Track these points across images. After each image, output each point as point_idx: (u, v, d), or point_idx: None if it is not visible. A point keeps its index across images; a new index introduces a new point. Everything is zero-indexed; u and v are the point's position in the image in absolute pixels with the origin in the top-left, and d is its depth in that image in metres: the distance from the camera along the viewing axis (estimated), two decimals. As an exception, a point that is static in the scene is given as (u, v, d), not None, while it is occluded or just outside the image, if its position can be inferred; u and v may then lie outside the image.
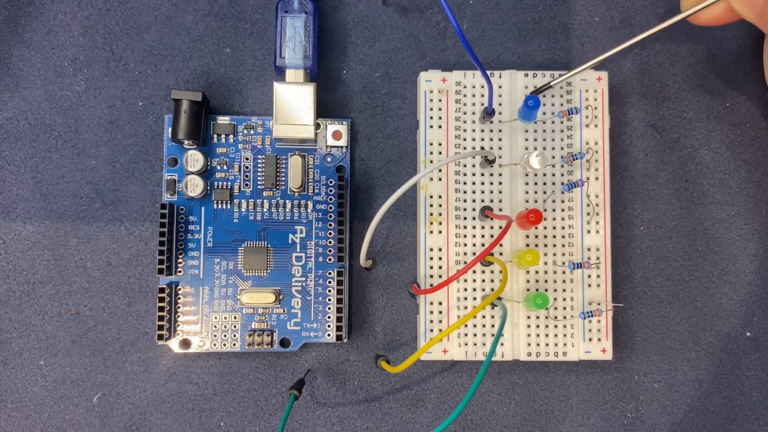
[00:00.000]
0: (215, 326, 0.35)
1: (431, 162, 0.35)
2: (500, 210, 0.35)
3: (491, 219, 0.35)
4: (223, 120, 0.36)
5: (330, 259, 0.36)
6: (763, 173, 0.38)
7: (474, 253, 0.35)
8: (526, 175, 0.36)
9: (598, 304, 0.35)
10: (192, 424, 0.36)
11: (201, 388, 0.36)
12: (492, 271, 0.35)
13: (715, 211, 0.38)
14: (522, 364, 0.37)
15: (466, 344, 0.35)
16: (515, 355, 0.35)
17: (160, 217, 0.34)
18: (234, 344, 0.35)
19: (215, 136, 0.36)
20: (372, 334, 0.37)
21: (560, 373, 0.37)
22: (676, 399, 0.37)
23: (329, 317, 0.35)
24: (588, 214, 0.36)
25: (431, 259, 0.35)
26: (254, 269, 0.35)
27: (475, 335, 0.35)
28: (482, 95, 0.36)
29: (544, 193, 0.36)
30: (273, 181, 0.36)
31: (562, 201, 0.36)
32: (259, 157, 0.36)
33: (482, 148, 0.36)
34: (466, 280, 0.35)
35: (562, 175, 0.36)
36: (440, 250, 0.35)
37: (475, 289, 0.35)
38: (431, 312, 0.35)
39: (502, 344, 0.35)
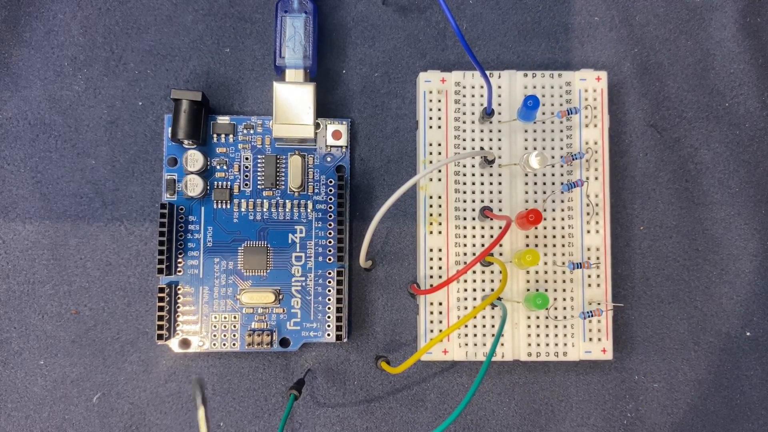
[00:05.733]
0: (215, 326, 0.35)
1: (431, 162, 0.35)
2: (500, 210, 0.35)
3: (491, 219, 0.35)
4: (223, 120, 0.36)
5: (330, 259, 0.36)
6: (762, 173, 0.38)
7: (474, 254, 0.35)
8: (526, 175, 0.36)
9: (598, 304, 0.35)
10: (192, 424, 0.35)
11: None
12: (492, 272, 0.35)
13: (715, 211, 0.38)
14: (522, 364, 0.37)
15: (466, 344, 0.35)
16: (515, 355, 0.35)
17: (160, 216, 0.34)
18: (234, 344, 0.35)
19: (215, 135, 0.36)
20: (372, 334, 0.37)
21: (560, 373, 0.37)
22: (676, 399, 0.37)
23: (329, 317, 0.35)
24: (588, 214, 0.36)
25: (431, 259, 0.35)
26: (254, 269, 0.35)
27: (475, 335, 0.35)
28: (481, 95, 0.36)
29: (544, 193, 0.36)
30: (273, 180, 0.36)
31: (562, 201, 0.36)
32: (258, 156, 0.36)
33: (482, 148, 0.36)
34: (466, 281, 0.35)
35: (562, 175, 0.36)
36: (440, 250, 0.35)
37: (475, 290, 0.35)
38: (431, 312, 0.35)
39: (502, 344, 0.35)
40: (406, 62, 0.38)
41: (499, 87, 0.36)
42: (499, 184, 0.35)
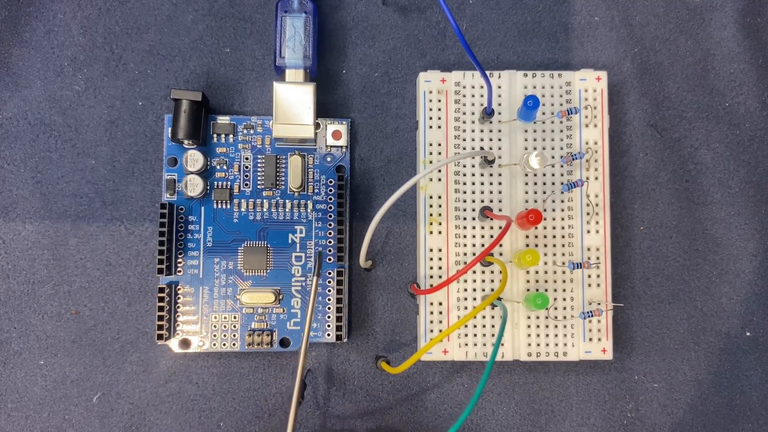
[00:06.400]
0: (215, 326, 0.35)
1: (431, 162, 0.35)
2: (500, 210, 0.35)
3: (491, 219, 0.35)
4: (223, 120, 0.36)
5: (330, 259, 0.36)
6: (762, 173, 0.38)
7: (474, 254, 0.35)
8: (526, 175, 0.36)
9: (598, 304, 0.35)
10: (192, 424, 0.36)
11: (201, 388, 0.36)
12: (492, 272, 0.35)
13: (715, 211, 0.38)
14: (522, 364, 0.37)
15: (466, 345, 0.35)
16: (515, 355, 0.35)
17: (160, 216, 0.34)
18: (234, 344, 0.35)
19: (215, 135, 0.36)
20: (372, 334, 0.37)
21: (560, 373, 0.37)
22: (676, 399, 0.37)
23: (329, 317, 0.35)
24: (588, 214, 0.36)
25: (431, 259, 0.35)
26: (254, 269, 0.35)
27: (475, 335, 0.35)
28: (482, 95, 0.36)
29: (544, 193, 0.36)
30: (273, 181, 0.36)
31: (562, 201, 0.36)
32: (258, 156, 0.36)
33: (482, 148, 0.36)
34: (466, 281, 0.35)
35: (562, 175, 0.36)
36: (440, 250, 0.35)
37: (475, 290, 0.35)
38: (431, 312, 0.35)
39: (502, 344, 0.35)
40: (406, 62, 0.38)
41: (499, 87, 0.36)
42: (499, 184, 0.35)
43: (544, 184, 0.36)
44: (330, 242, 0.36)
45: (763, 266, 0.38)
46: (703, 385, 0.37)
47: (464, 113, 0.36)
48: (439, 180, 0.35)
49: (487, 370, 0.28)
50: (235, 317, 0.35)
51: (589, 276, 0.35)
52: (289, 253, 0.36)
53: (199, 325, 0.35)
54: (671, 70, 0.38)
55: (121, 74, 0.37)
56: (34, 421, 0.35)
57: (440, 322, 0.35)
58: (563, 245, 0.35)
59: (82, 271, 0.36)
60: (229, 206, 0.36)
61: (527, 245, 0.35)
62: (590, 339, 0.35)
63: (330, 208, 0.36)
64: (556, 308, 0.35)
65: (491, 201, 0.35)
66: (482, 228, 0.35)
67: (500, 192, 0.35)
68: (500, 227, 0.35)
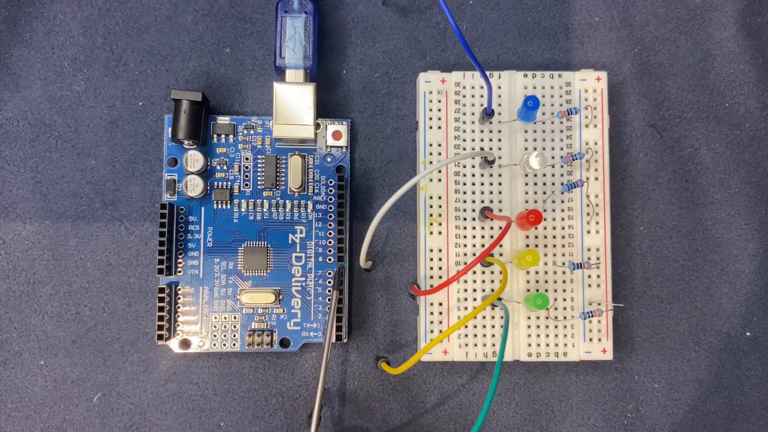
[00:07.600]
0: (215, 326, 0.35)
1: (431, 163, 0.35)
2: (500, 210, 0.35)
3: (491, 220, 0.35)
4: (223, 120, 0.36)
5: (330, 259, 0.36)
6: (762, 173, 0.38)
7: (474, 254, 0.35)
8: (526, 175, 0.36)
9: (599, 304, 0.35)
10: (192, 424, 0.36)
11: (201, 388, 0.36)
12: (492, 272, 0.35)
13: (715, 211, 0.38)
14: (522, 364, 0.37)
15: (466, 345, 0.35)
16: (515, 355, 0.35)
17: (160, 217, 0.34)
18: (234, 344, 0.35)
19: (215, 136, 0.36)
20: (372, 334, 0.37)
21: (560, 373, 0.37)
22: (676, 399, 0.37)
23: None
24: (588, 214, 0.36)
25: (431, 259, 0.35)
26: (254, 269, 0.35)
27: (475, 336, 0.35)
28: (482, 96, 0.36)
29: (544, 193, 0.36)
30: (273, 181, 0.36)
31: (562, 201, 0.36)
32: (259, 157, 0.36)
33: (482, 148, 0.36)
34: (466, 281, 0.35)
35: (562, 175, 0.36)
36: (440, 250, 0.35)
37: (475, 290, 0.35)
38: (431, 313, 0.35)
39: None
40: (406, 62, 0.38)
41: (499, 87, 0.36)
42: (499, 184, 0.35)
43: (544, 184, 0.36)
44: (330, 242, 0.36)
45: (763, 266, 0.38)
46: (703, 385, 0.37)
47: (464, 113, 0.36)
48: (439, 180, 0.35)
49: (496, 374, 0.28)
50: (235, 317, 0.35)
51: (589, 276, 0.35)
52: (289, 253, 0.36)
53: (199, 326, 0.35)
54: (671, 70, 0.38)
55: (121, 74, 0.37)
56: (34, 421, 0.35)
57: (440, 322, 0.35)
58: (563, 245, 0.35)
59: (82, 271, 0.36)
60: (229, 206, 0.36)
61: (527, 245, 0.35)
62: (590, 339, 0.35)
63: (330, 208, 0.36)
64: (556, 308, 0.35)
65: (491, 201, 0.35)
66: (482, 228, 0.35)
67: (500, 192, 0.35)
68: (500, 228, 0.35)
